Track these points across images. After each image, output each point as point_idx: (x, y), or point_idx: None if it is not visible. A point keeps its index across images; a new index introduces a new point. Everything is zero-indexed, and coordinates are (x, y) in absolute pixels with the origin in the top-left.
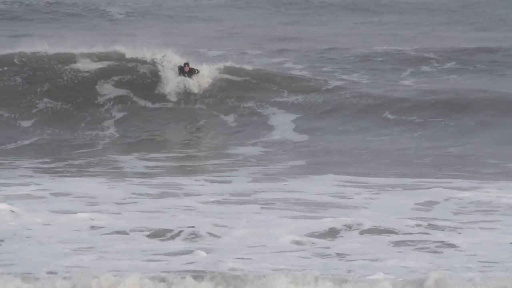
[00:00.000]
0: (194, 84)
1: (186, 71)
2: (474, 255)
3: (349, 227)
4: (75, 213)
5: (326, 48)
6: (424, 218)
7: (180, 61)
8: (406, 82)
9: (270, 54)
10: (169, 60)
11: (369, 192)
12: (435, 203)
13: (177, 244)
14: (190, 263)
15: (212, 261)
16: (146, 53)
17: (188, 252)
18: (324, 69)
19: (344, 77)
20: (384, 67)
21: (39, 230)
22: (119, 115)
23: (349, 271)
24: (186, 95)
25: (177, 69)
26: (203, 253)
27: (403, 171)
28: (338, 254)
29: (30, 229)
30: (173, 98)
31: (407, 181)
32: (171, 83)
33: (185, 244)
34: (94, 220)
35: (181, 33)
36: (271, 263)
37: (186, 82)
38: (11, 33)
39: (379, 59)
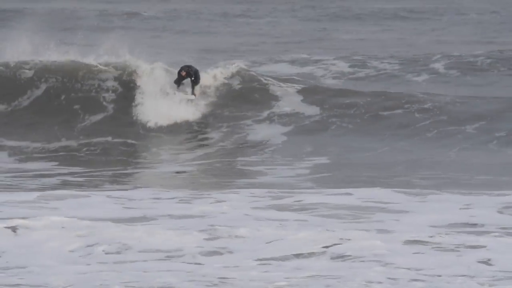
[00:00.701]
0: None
1: (183, 75)
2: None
3: (382, 232)
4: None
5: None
6: (465, 223)
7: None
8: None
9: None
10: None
11: (412, 200)
12: (482, 208)
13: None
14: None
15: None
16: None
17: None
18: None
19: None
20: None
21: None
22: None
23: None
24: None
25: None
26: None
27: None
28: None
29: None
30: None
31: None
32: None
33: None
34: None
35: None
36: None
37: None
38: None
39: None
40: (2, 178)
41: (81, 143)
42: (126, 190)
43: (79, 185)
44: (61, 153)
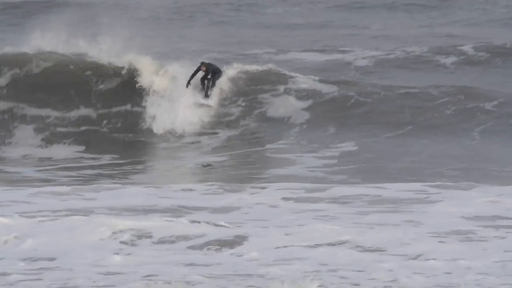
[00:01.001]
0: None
1: (203, 70)
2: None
3: (409, 224)
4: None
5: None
6: (496, 216)
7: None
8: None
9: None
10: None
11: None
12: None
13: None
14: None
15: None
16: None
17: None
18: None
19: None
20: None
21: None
22: None
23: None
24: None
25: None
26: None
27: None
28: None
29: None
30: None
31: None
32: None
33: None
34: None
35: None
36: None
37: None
38: None
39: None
40: (35, 171)
41: (100, 113)
42: (159, 183)
43: (111, 177)
44: (82, 128)
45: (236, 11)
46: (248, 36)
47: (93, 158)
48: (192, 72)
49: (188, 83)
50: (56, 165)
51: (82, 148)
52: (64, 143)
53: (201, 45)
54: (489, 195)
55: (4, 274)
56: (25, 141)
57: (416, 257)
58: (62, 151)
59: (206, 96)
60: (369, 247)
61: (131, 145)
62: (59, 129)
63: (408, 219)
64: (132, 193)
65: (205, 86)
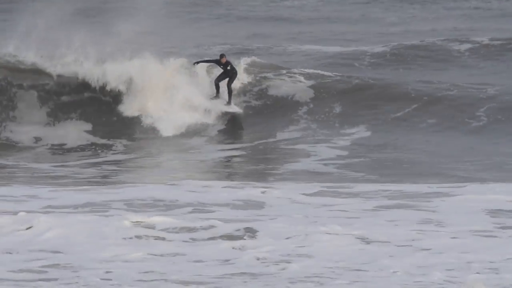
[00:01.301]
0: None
1: (223, 62)
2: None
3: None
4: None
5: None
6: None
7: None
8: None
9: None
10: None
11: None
12: None
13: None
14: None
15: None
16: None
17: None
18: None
19: None
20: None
21: None
22: None
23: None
24: None
25: (215, 63)
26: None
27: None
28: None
29: None
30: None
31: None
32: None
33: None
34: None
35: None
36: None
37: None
38: None
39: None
40: (53, 166)
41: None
42: (177, 178)
43: (130, 172)
44: (86, 95)
45: (251, 5)
46: (263, 29)
47: (107, 147)
48: (209, 59)
49: (197, 62)
50: (72, 160)
51: (90, 126)
52: (72, 118)
53: (215, 38)
54: (507, 190)
55: (12, 270)
56: (30, 117)
57: (426, 252)
58: (72, 130)
59: (229, 102)
60: (381, 242)
61: (139, 126)
62: (63, 98)
63: (423, 215)
64: (151, 189)
65: (219, 87)
